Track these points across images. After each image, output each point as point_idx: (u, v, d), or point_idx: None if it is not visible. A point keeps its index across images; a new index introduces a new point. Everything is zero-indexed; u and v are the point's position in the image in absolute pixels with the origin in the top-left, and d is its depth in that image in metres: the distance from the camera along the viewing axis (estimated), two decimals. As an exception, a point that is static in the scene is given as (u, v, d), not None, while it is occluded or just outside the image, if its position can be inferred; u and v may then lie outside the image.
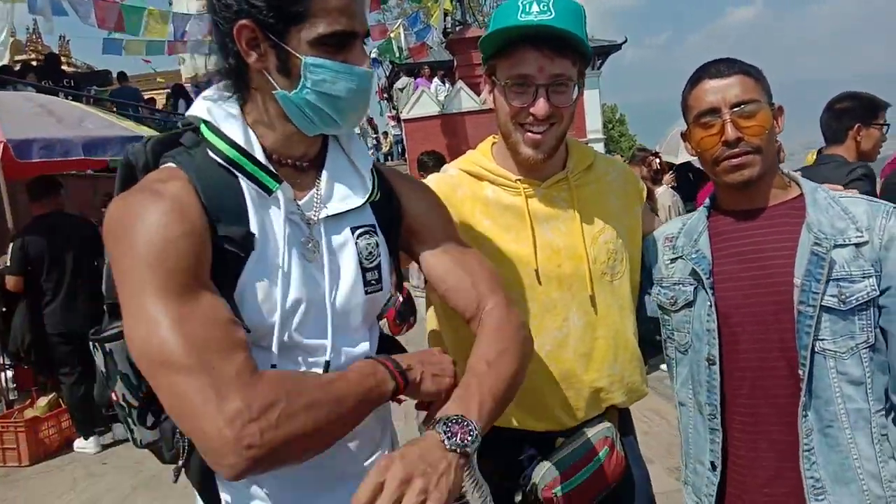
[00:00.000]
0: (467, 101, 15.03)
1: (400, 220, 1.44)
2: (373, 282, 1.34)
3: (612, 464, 1.73)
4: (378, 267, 1.36)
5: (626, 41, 23.82)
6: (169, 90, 17.00)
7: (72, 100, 9.28)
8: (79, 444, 5.76)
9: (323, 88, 1.20)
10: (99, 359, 1.29)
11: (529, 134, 1.64)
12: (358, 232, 1.34)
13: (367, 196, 1.36)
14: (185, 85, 16.73)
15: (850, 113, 3.60)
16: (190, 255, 1.10)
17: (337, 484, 1.31)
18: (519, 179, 1.74)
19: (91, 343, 1.30)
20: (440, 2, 16.47)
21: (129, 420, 1.30)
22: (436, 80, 18.50)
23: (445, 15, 19.48)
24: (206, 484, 1.29)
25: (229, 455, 1.00)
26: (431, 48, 19.87)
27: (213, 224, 1.16)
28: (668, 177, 6.84)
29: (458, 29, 18.97)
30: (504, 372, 1.26)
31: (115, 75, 15.62)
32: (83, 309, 5.59)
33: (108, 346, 1.26)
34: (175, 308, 1.06)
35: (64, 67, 16.16)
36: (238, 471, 1.02)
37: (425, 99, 15.48)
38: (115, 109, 10.92)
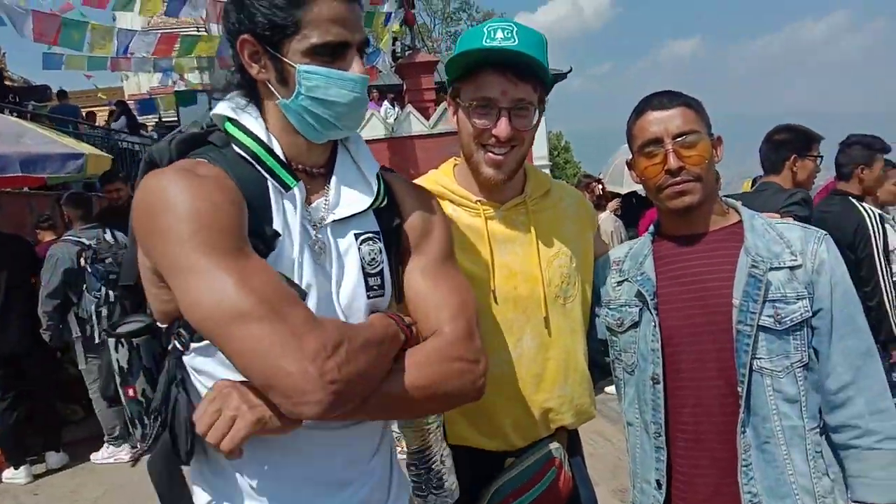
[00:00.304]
0: (416, 125, 15.09)
1: (401, 229, 1.46)
2: (375, 287, 1.38)
3: (560, 484, 1.77)
4: (381, 273, 1.39)
5: (570, 70, 24.38)
6: (112, 106, 16.57)
7: (16, 116, 8.97)
8: (8, 474, 5.48)
9: (317, 94, 1.26)
10: (122, 354, 1.33)
11: (491, 154, 1.68)
12: (361, 238, 1.38)
13: (372, 200, 1.40)
14: (129, 102, 16.35)
15: (786, 145, 3.79)
16: (237, 218, 1.18)
17: (336, 489, 1.35)
18: (479, 201, 1.78)
19: (113, 339, 1.33)
20: (389, 26, 16.59)
21: (144, 416, 1.34)
22: (385, 103, 18.55)
23: (395, 39, 19.63)
24: (170, 479, 1.30)
25: (316, 391, 1.07)
26: (381, 72, 19.95)
27: (252, 216, 1.22)
28: (612, 204, 7.03)
29: (407, 53, 19.10)
30: (395, 385, 1.26)
31: (54, 91, 15.19)
32: (17, 330, 5.38)
33: (135, 341, 1.30)
34: (236, 265, 1.12)
35: (1, 82, 15.59)
36: (325, 406, 1.08)
37: (374, 122, 15.46)
38: (54, 126, 10.58)
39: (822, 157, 3.89)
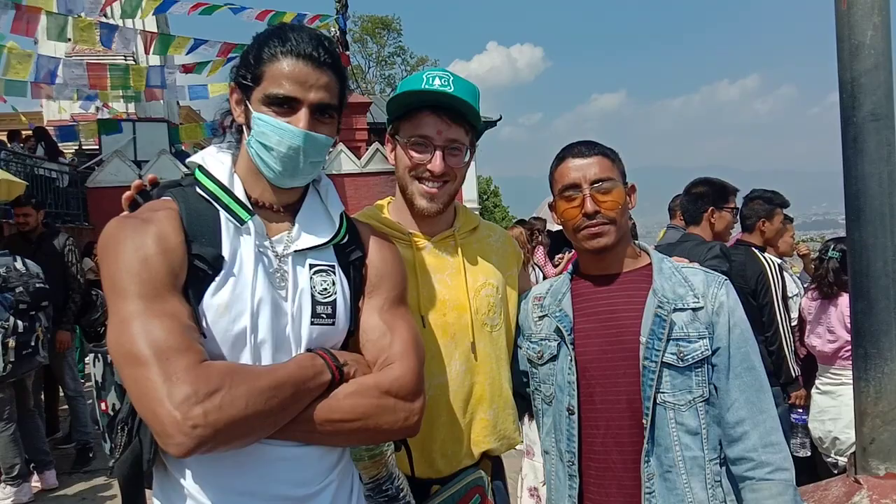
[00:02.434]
0: (347, 163, 15.18)
1: (363, 266, 1.57)
2: (323, 315, 1.46)
3: (483, 511, 1.82)
4: (332, 303, 1.48)
5: (500, 118, 25.11)
6: (31, 131, 15.84)
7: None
8: None
9: (262, 139, 1.41)
10: (97, 369, 1.43)
11: (424, 187, 1.81)
12: (315, 269, 1.48)
13: (332, 236, 1.51)
14: (48, 128, 15.67)
15: (704, 197, 3.98)
16: (162, 269, 1.30)
17: None
18: (411, 233, 1.88)
19: (93, 354, 1.44)
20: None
21: (111, 428, 1.42)
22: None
23: (328, 79, 19.68)
24: (133, 487, 1.42)
25: (177, 434, 1.15)
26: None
27: (189, 243, 1.33)
28: (566, 258, 7.13)
29: (340, 93, 19.23)
30: (322, 412, 1.35)
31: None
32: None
33: (110, 357, 1.37)
34: (144, 311, 1.24)
35: None
36: (186, 448, 1.16)
37: (305, 159, 15.47)
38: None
39: (738, 209, 4.08)
